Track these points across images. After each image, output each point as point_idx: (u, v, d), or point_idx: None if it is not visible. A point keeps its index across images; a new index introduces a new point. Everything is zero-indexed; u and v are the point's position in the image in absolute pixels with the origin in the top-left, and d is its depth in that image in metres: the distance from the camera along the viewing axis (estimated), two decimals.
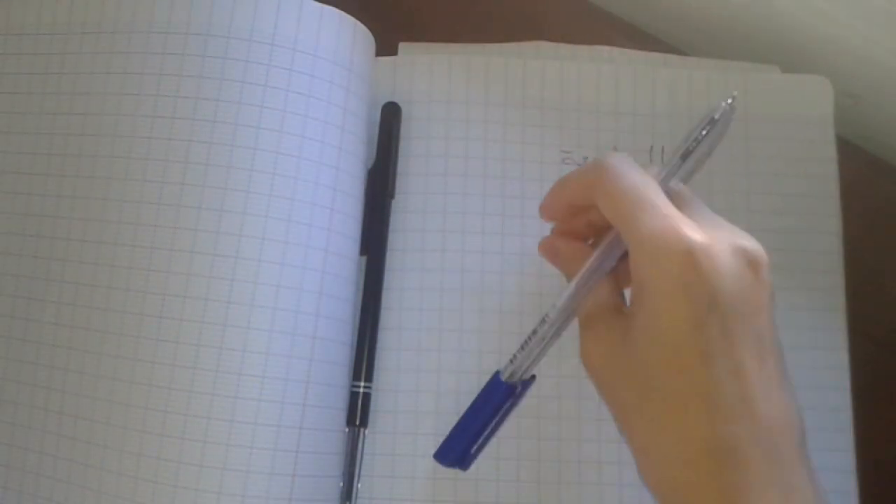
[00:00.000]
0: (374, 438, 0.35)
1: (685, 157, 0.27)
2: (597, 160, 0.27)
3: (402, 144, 0.38)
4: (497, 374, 0.29)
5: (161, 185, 0.33)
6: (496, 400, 0.29)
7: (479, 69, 0.39)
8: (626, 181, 0.25)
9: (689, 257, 0.23)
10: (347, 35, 0.35)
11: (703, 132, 0.27)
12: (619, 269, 0.28)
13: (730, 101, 0.27)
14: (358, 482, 0.35)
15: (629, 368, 0.25)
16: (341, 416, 0.34)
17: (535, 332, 0.28)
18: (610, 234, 0.27)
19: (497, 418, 0.28)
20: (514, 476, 0.35)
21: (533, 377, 0.29)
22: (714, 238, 0.24)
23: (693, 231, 0.24)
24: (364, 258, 0.37)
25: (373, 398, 0.36)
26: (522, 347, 0.28)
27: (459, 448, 0.28)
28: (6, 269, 0.35)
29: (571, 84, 0.39)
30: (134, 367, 0.32)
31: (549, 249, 0.30)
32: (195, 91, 0.33)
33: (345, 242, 0.35)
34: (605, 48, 0.40)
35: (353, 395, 0.35)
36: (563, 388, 0.36)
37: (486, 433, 0.28)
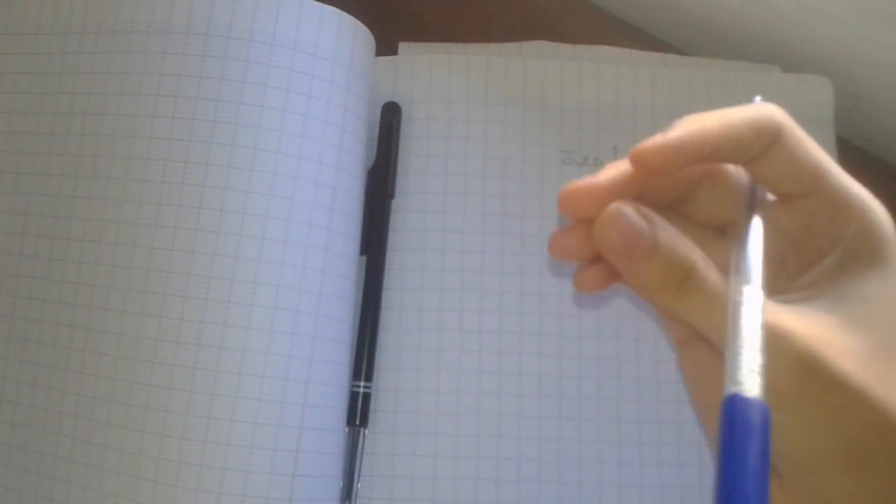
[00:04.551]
0: (374, 438, 0.35)
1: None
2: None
3: (402, 144, 0.38)
4: (735, 397, 0.19)
5: (161, 185, 0.33)
6: (758, 433, 0.19)
7: (480, 69, 0.39)
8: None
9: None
10: (347, 35, 0.35)
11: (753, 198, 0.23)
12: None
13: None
14: (358, 482, 0.35)
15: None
16: (341, 416, 0.34)
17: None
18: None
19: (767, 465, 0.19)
20: (515, 476, 0.35)
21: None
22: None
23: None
24: (364, 258, 0.37)
25: (373, 398, 0.36)
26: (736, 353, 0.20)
27: None
28: (6, 269, 0.35)
29: (571, 84, 0.39)
30: (134, 367, 0.32)
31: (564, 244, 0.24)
32: (195, 91, 0.33)
33: (345, 242, 0.35)
34: (605, 48, 0.40)
35: (353, 395, 0.35)
36: (563, 388, 0.36)
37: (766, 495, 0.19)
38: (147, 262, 0.33)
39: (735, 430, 0.19)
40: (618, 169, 0.23)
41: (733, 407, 0.19)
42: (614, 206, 0.21)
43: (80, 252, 0.34)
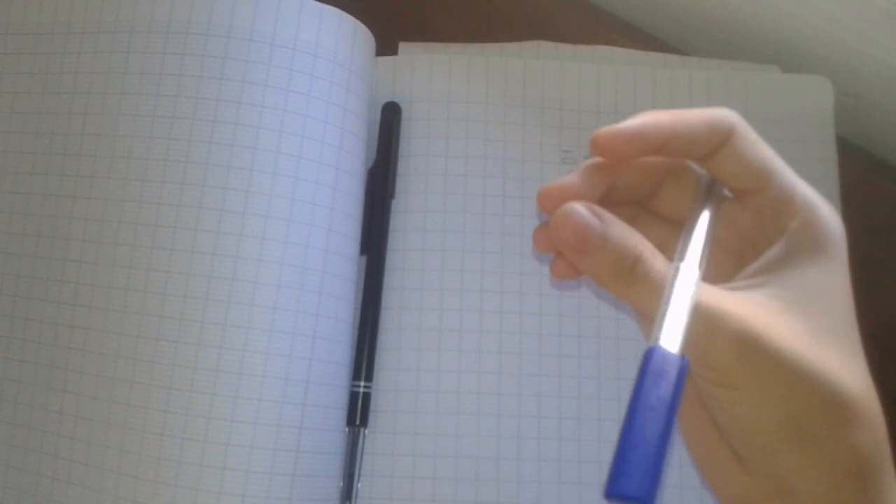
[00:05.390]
0: (374, 438, 0.35)
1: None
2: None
3: (402, 144, 0.38)
4: (653, 349, 0.21)
5: (161, 185, 0.33)
6: (669, 381, 0.21)
7: (480, 69, 0.39)
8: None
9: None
10: (347, 35, 0.35)
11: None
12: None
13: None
14: (358, 482, 0.34)
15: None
16: (341, 416, 0.34)
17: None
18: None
19: (674, 409, 0.21)
20: (515, 476, 0.35)
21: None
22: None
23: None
24: (364, 258, 0.37)
25: (373, 398, 0.36)
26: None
27: (644, 467, 0.21)
28: (6, 269, 0.35)
29: (571, 84, 0.39)
30: (134, 367, 0.32)
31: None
32: (195, 91, 0.33)
33: (345, 242, 0.35)
34: (605, 48, 0.40)
35: (353, 395, 0.35)
36: (563, 387, 0.36)
37: (667, 434, 0.20)
38: (147, 262, 0.33)
39: (647, 377, 0.20)
40: (588, 168, 0.25)
41: (650, 358, 0.21)
42: (568, 205, 0.23)
43: (80, 252, 0.34)
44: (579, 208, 0.23)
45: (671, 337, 0.21)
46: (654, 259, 0.23)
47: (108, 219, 0.34)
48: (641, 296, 0.23)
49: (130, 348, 0.32)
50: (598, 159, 0.25)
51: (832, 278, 0.23)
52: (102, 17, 0.36)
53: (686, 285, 0.22)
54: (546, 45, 0.41)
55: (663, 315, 0.22)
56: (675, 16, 0.43)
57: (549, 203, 0.24)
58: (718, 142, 0.24)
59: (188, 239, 0.32)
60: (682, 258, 0.23)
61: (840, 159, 0.38)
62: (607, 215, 0.23)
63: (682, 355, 0.21)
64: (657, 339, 0.21)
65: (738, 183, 0.25)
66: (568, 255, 0.23)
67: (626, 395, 0.36)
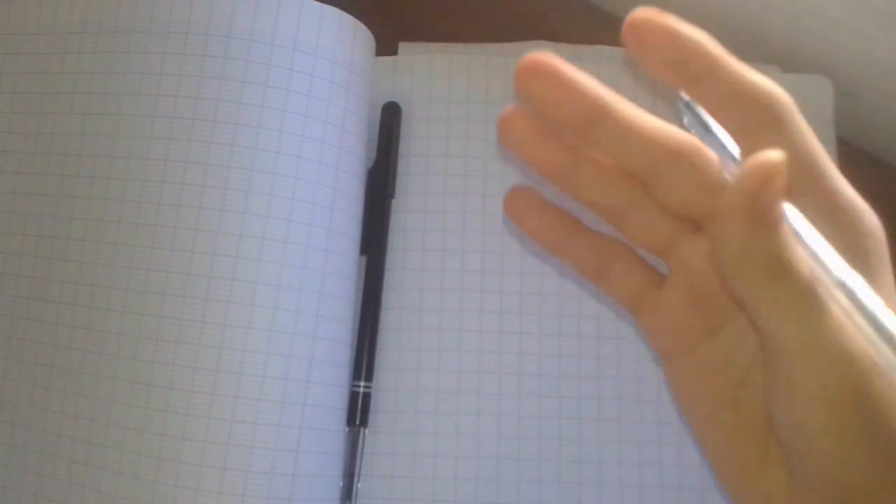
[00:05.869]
0: (374, 438, 0.35)
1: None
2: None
3: (402, 144, 0.38)
4: None
5: (161, 185, 0.33)
6: None
7: (480, 69, 0.39)
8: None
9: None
10: (347, 35, 0.35)
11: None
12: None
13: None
14: (358, 482, 0.35)
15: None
16: (341, 416, 0.34)
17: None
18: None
19: None
20: (515, 476, 0.35)
21: None
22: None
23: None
24: (364, 258, 0.37)
25: (373, 398, 0.36)
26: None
27: None
28: (6, 269, 0.35)
29: None
30: (134, 367, 0.32)
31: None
32: (195, 91, 0.33)
33: (345, 242, 0.35)
34: (606, 48, 0.40)
35: (353, 395, 0.35)
36: (563, 387, 0.36)
37: None
38: (147, 262, 0.33)
39: None
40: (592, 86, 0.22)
41: None
42: (773, 157, 0.19)
43: (80, 252, 0.34)
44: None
45: None
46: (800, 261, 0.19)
47: (108, 219, 0.34)
48: (779, 296, 0.19)
49: (130, 348, 0.32)
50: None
51: (882, 295, 0.21)
52: (102, 17, 0.36)
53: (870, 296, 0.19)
54: (546, 46, 0.41)
55: (887, 326, 0.19)
56: (675, 16, 0.43)
57: (541, 86, 0.22)
58: (770, 119, 0.20)
59: (188, 239, 0.32)
60: (829, 269, 0.20)
61: (840, 159, 0.38)
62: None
63: None
64: None
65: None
66: (738, 217, 0.19)
67: (626, 394, 0.36)
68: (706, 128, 0.22)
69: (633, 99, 0.38)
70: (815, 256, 0.20)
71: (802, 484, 0.22)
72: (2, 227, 0.36)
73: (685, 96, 0.22)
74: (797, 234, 0.20)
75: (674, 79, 0.22)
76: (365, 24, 0.37)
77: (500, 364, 0.36)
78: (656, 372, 0.36)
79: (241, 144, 0.33)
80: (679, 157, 0.22)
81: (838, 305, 0.20)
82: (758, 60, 0.40)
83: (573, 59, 0.40)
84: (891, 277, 0.22)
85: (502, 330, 0.36)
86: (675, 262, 0.25)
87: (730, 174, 0.22)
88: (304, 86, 0.34)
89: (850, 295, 0.19)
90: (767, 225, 0.19)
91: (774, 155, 0.18)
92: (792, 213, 0.20)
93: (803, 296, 0.19)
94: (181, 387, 0.31)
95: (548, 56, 0.23)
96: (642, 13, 0.20)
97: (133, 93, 0.34)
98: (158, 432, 0.31)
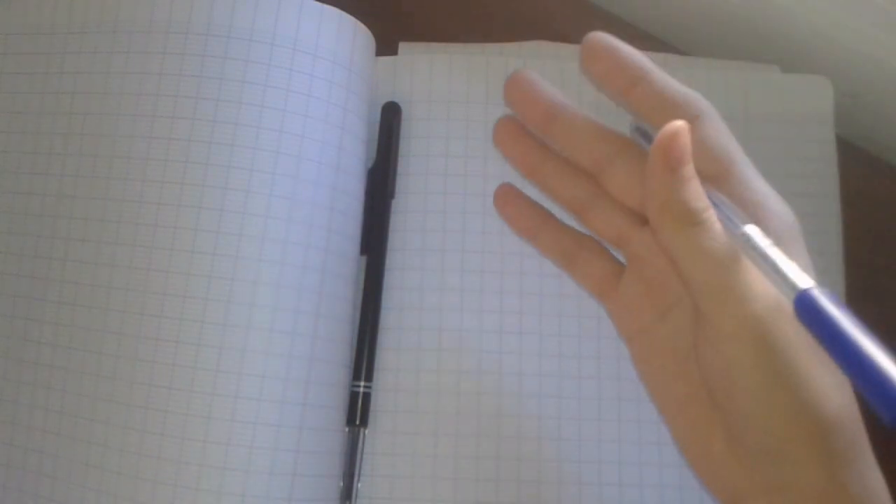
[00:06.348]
0: (374, 438, 0.35)
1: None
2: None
3: (402, 144, 0.38)
4: (808, 292, 0.21)
5: (161, 185, 0.33)
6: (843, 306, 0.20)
7: (480, 69, 0.39)
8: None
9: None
10: (347, 35, 0.35)
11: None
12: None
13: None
14: (358, 482, 0.35)
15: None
16: (341, 416, 0.34)
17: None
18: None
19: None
20: (515, 476, 0.35)
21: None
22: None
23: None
24: (364, 258, 0.37)
25: (373, 398, 0.36)
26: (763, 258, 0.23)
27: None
28: (6, 269, 0.35)
29: (571, 84, 0.39)
30: (134, 367, 0.32)
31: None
32: (195, 91, 0.33)
33: (345, 242, 0.35)
34: None
35: (353, 395, 0.35)
36: (563, 387, 0.36)
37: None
38: (147, 262, 0.33)
39: (834, 315, 0.20)
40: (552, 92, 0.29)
41: (818, 300, 0.20)
42: (680, 124, 0.24)
43: (80, 252, 0.34)
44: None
45: (804, 277, 0.21)
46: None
47: (108, 219, 0.34)
48: (696, 243, 0.23)
49: (130, 348, 0.32)
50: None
51: None
52: (102, 17, 0.36)
53: (766, 243, 0.22)
54: (546, 45, 0.41)
55: (779, 265, 0.22)
56: (675, 16, 0.43)
57: (517, 94, 0.28)
58: (688, 115, 0.25)
59: (188, 239, 0.32)
60: (737, 224, 0.24)
61: (840, 159, 0.38)
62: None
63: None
64: (798, 284, 0.21)
65: (699, 165, 0.25)
66: (658, 168, 0.24)
67: (626, 395, 0.36)
68: (646, 136, 0.27)
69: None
70: (723, 214, 0.24)
71: (735, 439, 0.24)
72: (2, 227, 0.36)
73: (631, 118, 0.27)
74: (711, 201, 0.24)
75: (614, 84, 0.27)
76: (365, 24, 0.37)
77: (500, 364, 0.36)
78: None
79: (241, 144, 0.33)
80: (619, 153, 0.28)
81: (745, 251, 0.23)
82: (758, 60, 0.40)
83: (573, 60, 0.40)
84: (803, 258, 0.25)
85: (502, 330, 0.36)
86: (629, 253, 0.29)
87: None
88: (304, 86, 0.34)
89: (750, 241, 0.23)
90: (677, 169, 0.23)
91: (679, 122, 0.23)
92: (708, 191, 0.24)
93: (714, 240, 0.23)
94: (181, 387, 0.31)
95: (525, 72, 0.30)
96: (595, 35, 0.26)
97: (133, 93, 0.34)
98: (158, 432, 0.31)
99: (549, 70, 0.39)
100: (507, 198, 0.33)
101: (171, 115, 0.33)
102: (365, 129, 0.37)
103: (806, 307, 0.20)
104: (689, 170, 0.24)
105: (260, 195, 0.33)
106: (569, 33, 0.41)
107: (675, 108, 0.25)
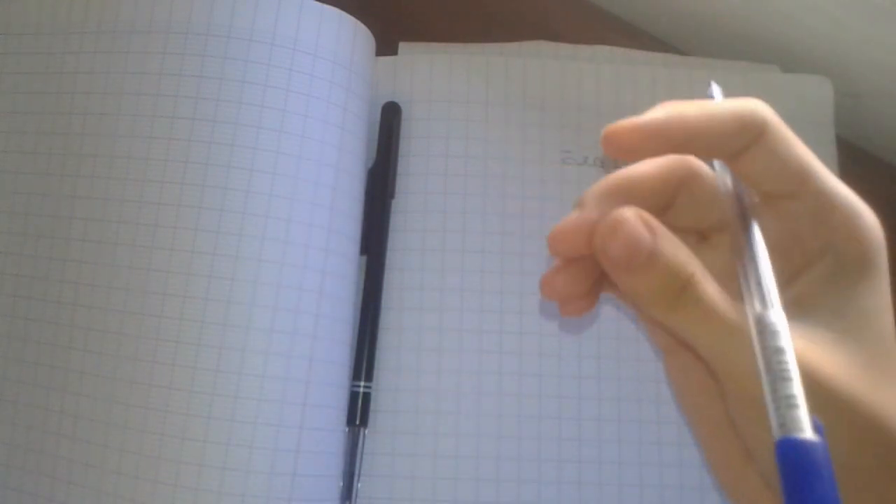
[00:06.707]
0: (374, 438, 0.35)
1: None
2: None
3: (402, 144, 0.38)
4: (787, 442, 0.18)
5: (161, 185, 0.33)
6: (824, 476, 0.18)
7: (480, 69, 0.39)
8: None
9: None
10: (347, 35, 0.35)
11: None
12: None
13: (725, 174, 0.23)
14: (358, 482, 0.34)
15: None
16: (341, 416, 0.34)
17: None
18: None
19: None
20: (515, 476, 0.35)
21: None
22: None
23: None
24: (364, 258, 0.37)
25: (373, 398, 0.36)
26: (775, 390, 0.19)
27: None
28: (6, 269, 0.35)
29: (571, 84, 0.39)
30: (134, 367, 0.32)
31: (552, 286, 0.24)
32: (195, 91, 0.33)
33: (345, 242, 0.35)
34: (605, 48, 0.40)
35: (353, 395, 0.35)
36: (563, 387, 0.36)
37: None
38: (147, 262, 0.33)
39: (799, 483, 0.18)
40: (597, 196, 0.23)
41: (789, 454, 0.18)
42: (617, 212, 0.20)
43: (80, 252, 0.34)
44: (630, 218, 0.20)
45: (802, 417, 0.18)
46: (706, 281, 0.20)
47: (108, 219, 0.34)
48: (687, 321, 0.21)
49: (130, 348, 0.32)
50: (603, 186, 0.23)
51: (881, 298, 0.21)
52: (102, 17, 0.36)
53: (787, 342, 0.19)
54: (546, 45, 0.41)
55: (778, 389, 0.19)
56: (675, 16, 0.43)
57: (564, 245, 0.22)
58: (750, 139, 0.21)
59: (188, 239, 0.32)
60: (751, 294, 0.20)
61: (840, 159, 0.38)
62: (659, 227, 0.20)
63: (815, 427, 0.18)
64: (785, 426, 0.18)
65: (771, 186, 0.22)
66: (612, 272, 0.21)
67: (626, 395, 0.36)
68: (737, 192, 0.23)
69: (632, 98, 0.39)
70: (747, 286, 0.20)
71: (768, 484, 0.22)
72: (2, 227, 0.36)
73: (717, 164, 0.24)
74: (742, 277, 0.21)
75: (661, 172, 0.23)
76: (365, 24, 0.37)
77: (500, 364, 0.36)
78: (656, 372, 0.36)
79: (241, 144, 0.33)
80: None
81: (748, 318, 0.20)
82: (758, 60, 0.40)
83: (573, 59, 0.40)
84: (885, 278, 0.22)
85: (502, 330, 0.36)
86: None
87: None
88: (304, 86, 0.34)
89: (761, 335, 0.19)
90: (630, 268, 0.20)
91: (617, 212, 0.20)
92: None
93: (705, 319, 0.20)
94: (181, 387, 0.31)
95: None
96: (610, 127, 0.21)
97: (133, 93, 0.34)
98: (158, 432, 0.31)
99: (549, 70, 0.39)
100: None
101: (171, 115, 0.33)
102: (365, 129, 0.37)
103: (786, 457, 0.18)
104: (647, 255, 0.20)
105: (260, 195, 0.33)
106: (569, 33, 0.41)
107: (735, 137, 0.21)
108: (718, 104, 0.22)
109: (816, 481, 0.18)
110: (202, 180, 0.33)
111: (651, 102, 0.40)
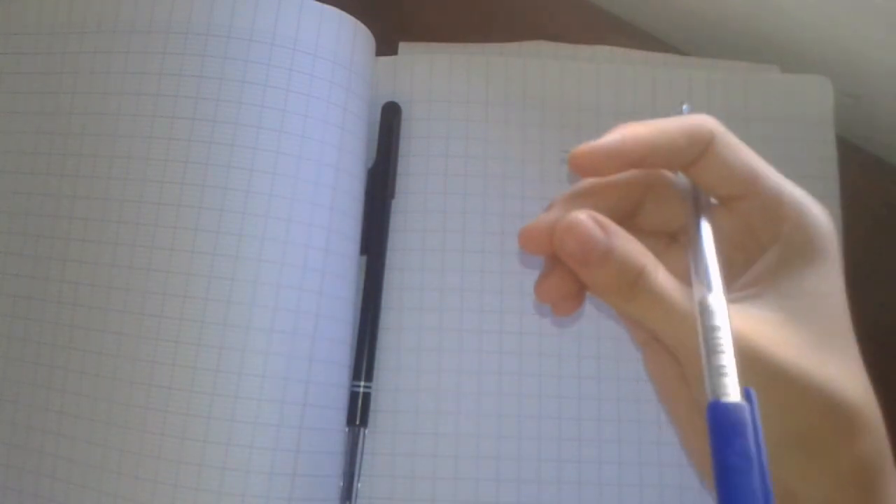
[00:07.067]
0: (374, 438, 0.35)
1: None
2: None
3: (402, 144, 0.38)
4: (715, 405, 0.20)
5: (161, 185, 0.33)
6: (746, 433, 0.20)
7: (480, 69, 0.39)
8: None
9: None
10: (347, 35, 0.35)
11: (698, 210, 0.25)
12: None
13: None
14: (358, 482, 0.35)
15: None
16: (341, 416, 0.34)
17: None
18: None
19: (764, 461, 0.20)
20: (515, 476, 0.35)
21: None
22: None
23: None
24: (364, 258, 0.37)
25: (373, 398, 0.36)
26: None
27: None
28: (6, 269, 0.35)
29: (571, 84, 0.39)
30: (134, 367, 0.32)
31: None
32: (195, 91, 0.33)
33: (345, 242, 0.35)
34: (605, 48, 0.40)
35: (353, 395, 0.35)
36: (563, 387, 0.36)
37: (768, 492, 0.19)
38: (147, 262, 0.33)
39: (719, 438, 0.20)
40: (566, 200, 0.25)
41: (715, 415, 0.20)
42: (571, 215, 0.23)
43: (80, 252, 0.34)
44: (584, 219, 0.23)
45: (729, 383, 0.20)
46: (657, 272, 0.23)
47: (108, 219, 0.34)
48: (644, 310, 0.23)
49: (130, 348, 0.32)
50: (573, 190, 0.25)
51: (829, 282, 0.23)
52: (102, 17, 0.36)
53: (723, 320, 0.21)
54: (546, 45, 0.41)
55: (711, 360, 0.21)
56: (675, 16, 0.43)
57: (532, 244, 0.25)
58: (699, 150, 0.24)
59: (188, 239, 0.32)
60: (699, 280, 0.22)
61: (840, 159, 0.38)
62: (612, 226, 0.23)
63: (745, 394, 0.20)
64: (715, 391, 0.20)
65: (724, 189, 0.25)
66: (573, 268, 0.23)
67: (626, 395, 0.36)
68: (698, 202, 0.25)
69: (632, 98, 0.39)
70: (695, 270, 0.23)
71: None
72: (2, 227, 0.36)
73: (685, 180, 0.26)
74: (693, 266, 0.23)
75: (626, 180, 0.26)
76: (365, 24, 0.37)
77: (500, 364, 0.36)
78: None
79: (241, 144, 0.33)
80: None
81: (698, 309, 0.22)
82: (758, 60, 0.40)
83: (573, 59, 0.40)
84: (834, 264, 0.24)
85: (502, 330, 0.36)
86: None
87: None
88: (304, 86, 0.34)
89: (703, 310, 0.22)
90: (587, 263, 0.22)
91: (572, 214, 0.23)
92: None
93: (659, 306, 0.22)
94: (181, 387, 0.31)
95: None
96: (573, 152, 0.24)
97: (133, 93, 0.34)
98: (158, 432, 0.31)
99: (549, 70, 0.39)
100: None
101: (171, 115, 0.33)
102: (365, 129, 0.37)
103: (714, 419, 0.20)
104: (602, 251, 0.22)
105: (260, 195, 0.33)
106: (569, 33, 0.41)
107: (685, 150, 0.24)
108: (668, 121, 0.24)
109: (738, 438, 0.20)
110: (202, 180, 0.33)
111: (651, 102, 0.40)
